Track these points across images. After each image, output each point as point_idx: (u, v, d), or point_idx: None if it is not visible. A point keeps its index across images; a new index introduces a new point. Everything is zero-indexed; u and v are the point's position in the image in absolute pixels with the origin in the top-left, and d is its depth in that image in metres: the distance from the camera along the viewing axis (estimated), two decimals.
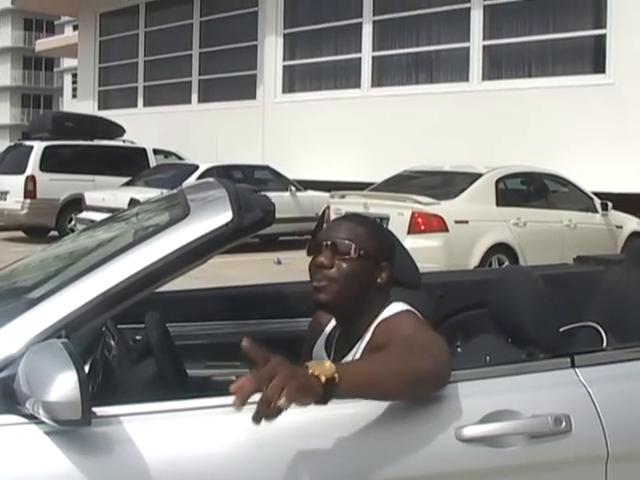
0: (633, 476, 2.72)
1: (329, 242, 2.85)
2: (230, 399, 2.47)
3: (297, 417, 2.44)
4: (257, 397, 2.08)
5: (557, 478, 2.62)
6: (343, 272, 2.82)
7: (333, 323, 3.08)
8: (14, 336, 2.39)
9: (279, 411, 2.07)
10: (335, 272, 2.82)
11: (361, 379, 2.29)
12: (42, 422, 2.23)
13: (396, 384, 2.34)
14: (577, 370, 2.73)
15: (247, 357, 2.18)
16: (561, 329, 3.62)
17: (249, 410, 2.44)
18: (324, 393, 2.16)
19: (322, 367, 2.19)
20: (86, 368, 2.53)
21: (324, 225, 13.02)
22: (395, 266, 3.04)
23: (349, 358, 2.87)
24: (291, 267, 13.87)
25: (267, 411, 2.06)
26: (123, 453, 2.32)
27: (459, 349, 3.87)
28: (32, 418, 2.27)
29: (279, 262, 14.69)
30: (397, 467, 2.44)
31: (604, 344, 3.61)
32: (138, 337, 3.67)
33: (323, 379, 2.16)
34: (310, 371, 2.17)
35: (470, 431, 2.52)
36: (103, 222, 3.87)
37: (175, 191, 3.34)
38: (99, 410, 2.32)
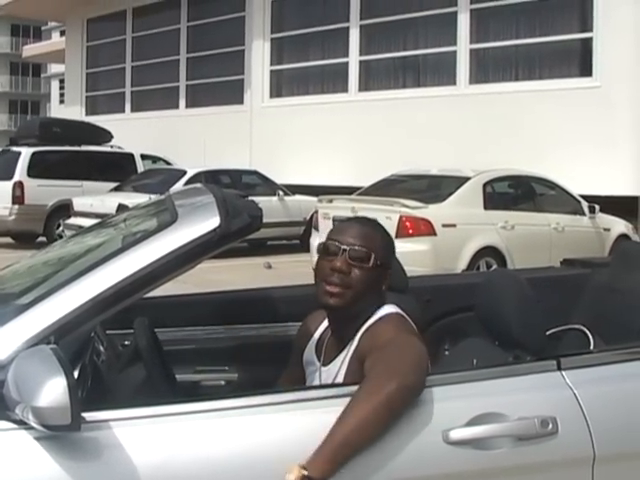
0: (619, 478, 2.74)
1: (347, 247, 2.85)
2: (219, 403, 2.50)
3: (285, 424, 2.46)
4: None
5: None
6: (360, 280, 2.83)
7: (322, 328, 3.09)
8: (3, 342, 2.39)
9: None
10: (353, 279, 2.83)
11: (334, 453, 2.36)
12: (32, 427, 2.24)
13: (369, 431, 2.41)
14: (563, 372, 2.75)
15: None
16: (548, 332, 3.63)
17: (238, 415, 2.47)
18: None
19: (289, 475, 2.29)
20: (75, 374, 2.53)
21: (312, 230, 13.04)
22: None
23: (338, 362, 2.89)
24: (280, 271, 13.88)
25: None
26: (112, 458, 2.33)
27: (447, 352, 3.89)
28: (22, 424, 2.27)
29: (269, 266, 14.69)
30: (384, 470, 2.45)
31: (591, 347, 3.63)
32: (127, 342, 3.68)
33: None
34: None
35: (457, 434, 2.53)
36: (92, 228, 3.87)
37: (163, 197, 3.35)
38: (88, 415, 2.33)
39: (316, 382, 2.97)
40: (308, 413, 2.49)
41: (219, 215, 2.60)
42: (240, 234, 2.65)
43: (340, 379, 2.84)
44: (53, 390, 2.16)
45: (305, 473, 2.30)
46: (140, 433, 2.40)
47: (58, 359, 2.22)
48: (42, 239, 18.34)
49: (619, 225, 14.37)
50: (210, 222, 2.59)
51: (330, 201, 12.96)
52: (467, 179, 12.61)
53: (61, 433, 2.25)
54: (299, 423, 2.46)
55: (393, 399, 2.43)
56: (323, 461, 2.34)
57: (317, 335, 3.11)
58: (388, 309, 2.88)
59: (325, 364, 2.97)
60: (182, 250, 2.55)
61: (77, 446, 2.31)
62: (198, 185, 3.45)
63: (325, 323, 3.05)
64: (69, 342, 2.52)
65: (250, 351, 3.96)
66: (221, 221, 2.58)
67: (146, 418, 2.44)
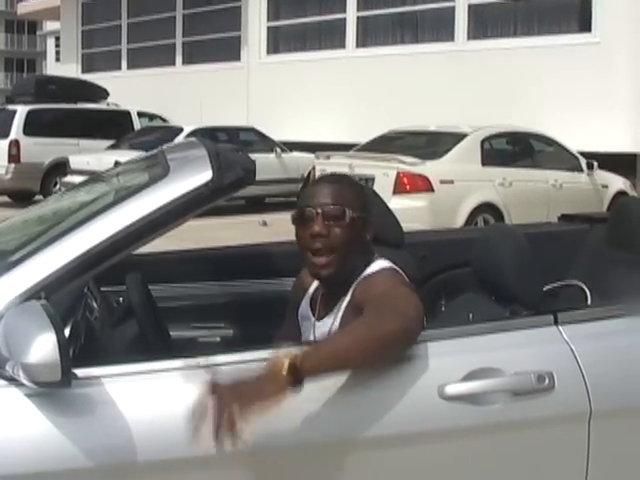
0: (615, 433, 2.73)
1: (320, 210, 2.81)
2: (213, 359, 2.48)
3: None
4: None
5: (540, 435, 2.62)
6: (341, 239, 2.80)
7: (316, 282, 3.07)
8: None
9: (232, 421, 2.19)
10: (334, 241, 2.79)
11: (325, 356, 2.34)
12: (22, 384, 2.22)
13: (362, 353, 2.39)
14: (560, 327, 2.73)
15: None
16: (545, 287, 3.62)
17: (233, 370, 2.44)
18: (291, 379, 2.26)
19: (278, 357, 2.28)
20: (67, 330, 2.51)
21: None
22: (379, 225, 3.03)
23: (332, 316, 2.88)
24: (277, 229, 13.84)
25: (224, 427, 2.20)
26: (105, 414, 2.32)
27: (443, 308, 3.87)
28: (12, 380, 2.26)
29: (265, 224, 14.65)
30: (380, 426, 2.44)
31: (588, 302, 3.61)
32: (121, 299, 3.66)
33: (285, 365, 2.25)
34: (270, 363, 2.28)
35: (453, 389, 2.52)
36: (85, 183, 3.84)
37: (156, 151, 3.31)
38: (80, 372, 2.31)
39: (311, 337, 2.96)
40: None
41: (211, 169, 2.57)
42: (233, 188, 2.62)
43: None
44: (43, 346, 2.14)
45: (297, 363, 2.28)
46: (133, 389, 2.38)
47: (48, 315, 2.19)
48: (39, 197, 18.28)
49: (617, 182, 14.33)
50: (202, 176, 2.56)
51: (327, 158, 12.92)
52: (465, 135, 12.56)
53: (52, 390, 2.23)
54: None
55: (392, 335, 2.42)
56: (314, 357, 2.32)
57: (312, 290, 3.09)
58: (382, 264, 2.86)
59: (319, 319, 2.95)
60: (174, 204, 2.52)
61: (69, 403, 2.30)
62: (191, 139, 3.41)
63: None
64: (61, 298, 2.50)
65: (245, 307, 3.94)
66: (213, 175, 2.55)
67: (139, 374, 2.42)
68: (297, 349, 2.31)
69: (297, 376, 2.26)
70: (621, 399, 2.73)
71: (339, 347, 2.37)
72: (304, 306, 3.10)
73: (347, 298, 2.83)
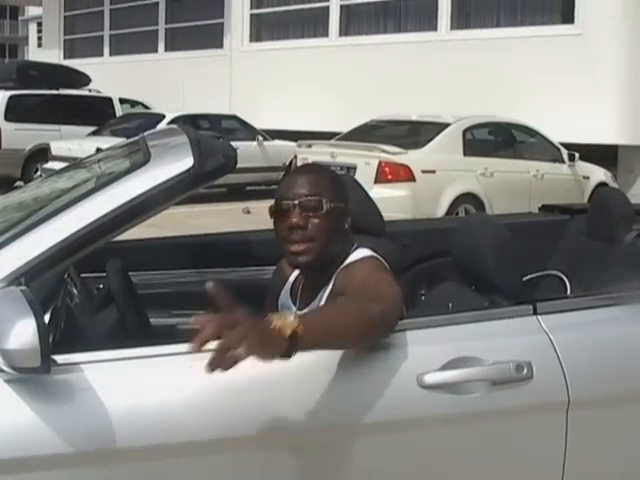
0: (593, 422, 2.75)
1: (297, 201, 2.80)
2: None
3: (259, 365, 2.44)
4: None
5: (518, 424, 2.64)
6: (320, 229, 2.79)
7: (297, 271, 3.06)
8: None
9: (235, 361, 2.04)
10: (312, 231, 2.78)
11: (323, 332, 2.29)
12: (2, 370, 2.21)
13: (352, 334, 2.36)
14: (539, 317, 2.74)
15: (211, 301, 2.13)
16: (525, 278, 3.63)
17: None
18: (288, 347, 2.16)
19: (285, 320, 2.18)
20: (47, 316, 2.50)
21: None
22: (360, 214, 3.03)
23: (314, 306, 2.87)
24: (259, 217, 13.81)
25: (223, 359, 2.02)
26: (84, 400, 2.31)
27: (423, 297, 3.88)
28: None
29: (248, 212, 14.62)
30: (358, 414, 2.45)
31: (568, 293, 3.63)
32: (102, 286, 3.65)
33: (288, 332, 2.15)
34: (273, 324, 2.15)
35: (431, 378, 2.52)
36: (66, 169, 3.83)
37: (137, 138, 3.30)
38: (60, 358, 2.31)
39: None
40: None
41: (193, 156, 2.56)
42: (214, 175, 2.61)
43: None
44: (22, 332, 2.13)
45: (299, 332, 2.16)
46: (112, 375, 2.37)
47: (28, 301, 2.18)
48: (20, 184, 18.19)
49: (598, 173, 14.38)
50: (183, 162, 2.55)
51: (309, 146, 12.92)
52: (447, 125, 12.58)
53: (31, 376, 2.22)
54: (273, 364, 2.44)
55: (372, 321, 2.39)
56: (313, 335, 2.22)
57: (292, 279, 3.09)
58: (363, 252, 2.86)
59: (300, 309, 2.94)
60: (155, 191, 2.50)
61: (48, 389, 2.29)
62: (172, 126, 3.41)
63: None
64: (41, 284, 2.49)
65: (227, 293, 3.93)
66: (194, 162, 2.54)
67: (118, 361, 2.41)
68: (297, 320, 2.19)
69: (293, 347, 2.18)
70: (599, 389, 2.75)
71: (334, 325, 2.32)
72: (284, 295, 3.09)
73: (329, 287, 2.83)
